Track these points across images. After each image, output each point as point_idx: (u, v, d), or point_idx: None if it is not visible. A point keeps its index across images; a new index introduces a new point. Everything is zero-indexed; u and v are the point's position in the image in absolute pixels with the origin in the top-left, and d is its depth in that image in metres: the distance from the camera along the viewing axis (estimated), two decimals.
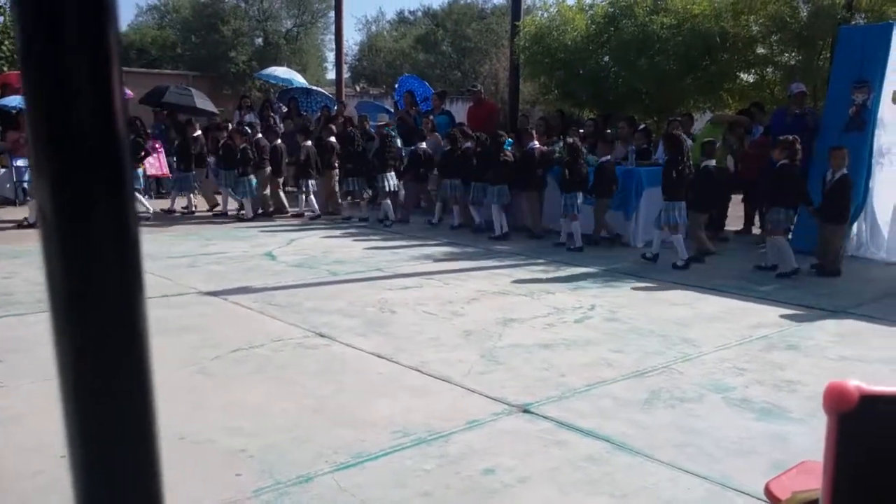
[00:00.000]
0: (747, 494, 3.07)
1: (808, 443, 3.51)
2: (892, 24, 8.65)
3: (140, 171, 11.35)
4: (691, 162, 8.29)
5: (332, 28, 20.79)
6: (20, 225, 10.03)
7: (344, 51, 20.23)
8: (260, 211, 11.65)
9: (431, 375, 4.51)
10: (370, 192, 11.53)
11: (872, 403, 0.67)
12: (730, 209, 10.38)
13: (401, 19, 35.32)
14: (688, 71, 11.34)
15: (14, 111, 12.47)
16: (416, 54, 30.53)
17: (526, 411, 3.96)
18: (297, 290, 6.71)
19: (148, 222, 10.74)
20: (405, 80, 15.58)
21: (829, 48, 10.15)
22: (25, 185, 12.10)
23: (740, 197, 10.41)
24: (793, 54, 11.19)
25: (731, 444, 3.58)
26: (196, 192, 11.92)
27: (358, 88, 27.82)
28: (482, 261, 8.42)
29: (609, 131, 10.72)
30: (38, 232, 0.59)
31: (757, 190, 9.11)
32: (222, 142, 11.88)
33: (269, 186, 11.75)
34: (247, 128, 11.94)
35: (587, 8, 12.88)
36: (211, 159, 12.25)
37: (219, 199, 11.99)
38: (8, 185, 11.24)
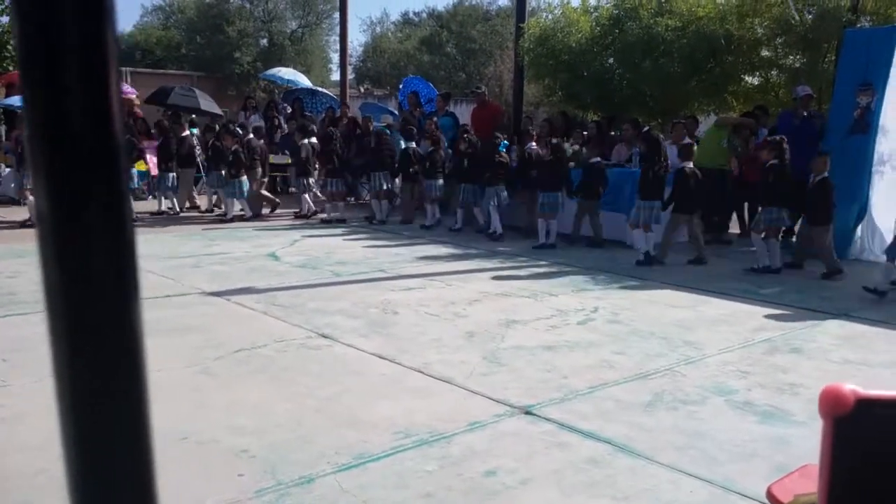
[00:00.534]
0: (750, 498, 3.07)
1: (810, 446, 3.50)
2: None
3: (134, 171, 11.35)
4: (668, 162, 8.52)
5: (337, 29, 20.80)
6: (23, 224, 10.07)
7: (348, 52, 20.25)
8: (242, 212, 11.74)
9: (433, 377, 4.52)
10: (350, 192, 11.61)
11: (868, 407, 0.67)
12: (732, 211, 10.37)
13: (405, 21, 35.37)
14: (692, 73, 11.33)
15: (20, 111, 12.51)
16: (420, 56, 30.56)
17: (528, 413, 3.96)
18: (300, 291, 6.72)
19: (142, 223, 10.77)
20: (409, 82, 15.60)
21: (834, 51, 10.13)
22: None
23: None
24: (798, 57, 11.17)
25: (733, 448, 3.58)
26: (175, 192, 11.85)
27: (362, 89, 27.86)
28: (485, 262, 8.42)
29: (613, 133, 10.72)
30: (36, 231, 0.59)
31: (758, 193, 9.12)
32: (210, 142, 11.92)
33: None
34: (238, 129, 11.96)
35: (592, 10, 12.88)
36: (201, 158, 12.34)
37: (197, 199, 12.00)
38: (13, 185, 11.27)
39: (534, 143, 10.07)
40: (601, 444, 3.58)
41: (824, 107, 9.86)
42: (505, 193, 10.03)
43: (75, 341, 0.60)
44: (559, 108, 13.52)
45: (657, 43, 11.18)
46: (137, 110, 14.22)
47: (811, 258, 8.02)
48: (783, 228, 8.24)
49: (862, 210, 8.56)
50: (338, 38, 19.58)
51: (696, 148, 10.09)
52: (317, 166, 11.95)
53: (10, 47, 15.43)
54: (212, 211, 12.10)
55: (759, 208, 7.98)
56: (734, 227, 10.57)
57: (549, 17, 13.59)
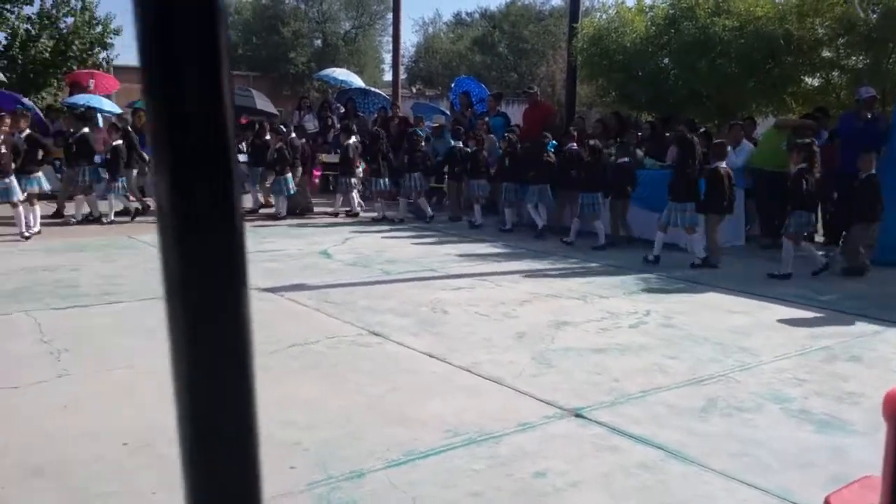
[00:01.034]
0: None
1: (870, 457, 3.39)
2: None
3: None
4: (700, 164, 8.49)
5: (390, 30, 20.96)
6: (87, 219, 10.36)
7: (401, 52, 20.38)
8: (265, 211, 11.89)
9: (483, 376, 4.52)
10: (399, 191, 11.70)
11: None
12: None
13: (458, 21, 35.40)
14: (750, 74, 11.09)
15: (82, 109, 12.88)
16: (472, 56, 30.56)
17: (578, 415, 3.94)
18: (351, 289, 6.78)
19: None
20: (461, 82, 15.62)
21: None
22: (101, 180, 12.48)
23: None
24: (860, 57, 10.83)
25: (789, 456, 3.50)
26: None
27: (414, 90, 27.99)
28: (535, 263, 8.38)
29: (668, 134, 10.56)
30: (156, 223, 0.63)
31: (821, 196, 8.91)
32: (250, 140, 12.05)
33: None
34: (281, 126, 12.12)
35: (647, 9, 12.70)
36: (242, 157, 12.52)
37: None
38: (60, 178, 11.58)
39: (573, 144, 10.07)
40: (653, 448, 3.53)
41: (888, 108, 9.54)
42: (549, 193, 10.09)
43: (191, 327, 0.64)
44: (612, 109, 13.37)
45: (714, 43, 10.97)
46: None
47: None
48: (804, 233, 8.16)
49: None
50: (390, 39, 19.72)
51: (754, 149, 9.91)
52: (358, 165, 12.02)
53: (74, 47, 15.91)
54: (255, 210, 12.15)
55: (788, 212, 7.88)
56: None
57: (604, 16, 13.45)
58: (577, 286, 7.16)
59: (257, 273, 7.31)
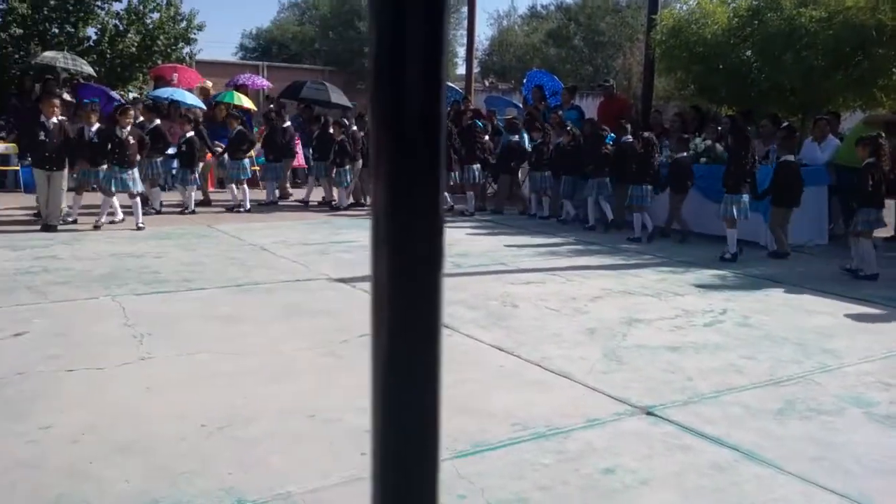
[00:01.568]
0: None
1: None
2: None
3: (246, 161, 11.73)
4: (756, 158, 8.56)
5: (464, 23, 20.94)
6: (182, 211, 10.70)
7: (475, 45, 20.35)
8: (351, 201, 12.06)
9: (552, 371, 4.49)
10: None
11: None
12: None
13: (533, 14, 35.10)
14: (838, 67, 10.64)
15: (166, 102, 13.33)
16: (546, 49, 30.27)
17: (649, 413, 3.87)
18: None
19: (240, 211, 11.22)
20: (534, 75, 15.51)
21: None
22: (173, 171, 12.88)
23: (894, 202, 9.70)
24: None
25: (872, 462, 3.36)
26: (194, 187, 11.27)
27: (487, 83, 27.92)
28: (607, 259, 8.28)
29: (751, 128, 10.26)
30: (371, 222, 0.68)
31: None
32: (316, 133, 12.22)
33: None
34: (344, 119, 12.27)
35: (729, 1, 12.34)
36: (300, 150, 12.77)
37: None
38: (161, 171, 11.97)
39: (629, 137, 9.97)
40: (727, 449, 3.45)
41: None
42: (608, 186, 10.09)
43: (397, 311, 0.68)
44: (691, 103, 13.06)
45: (800, 34, 10.57)
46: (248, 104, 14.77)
47: None
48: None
49: None
50: (464, 33, 19.69)
51: (840, 145, 9.54)
52: None
53: (159, 42, 16.46)
54: (313, 202, 12.31)
55: (855, 209, 7.63)
56: (883, 232, 9.87)
57: (684, 7, 13.12)
58: (651, 283, 7.03)
59: (331, 263, 7.45)
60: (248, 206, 11.32)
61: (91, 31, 16.19)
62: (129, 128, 9.24)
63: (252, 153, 13.70)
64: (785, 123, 10.35)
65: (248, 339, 4.92)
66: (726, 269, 7.75)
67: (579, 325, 5.49)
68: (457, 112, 13.99)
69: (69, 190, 9.44)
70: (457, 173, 11.47)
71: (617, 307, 6.05)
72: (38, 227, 8.85)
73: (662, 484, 3.11)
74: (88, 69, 14.28)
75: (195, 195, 11.11)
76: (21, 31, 14.99)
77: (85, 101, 11.68)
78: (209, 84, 15.52)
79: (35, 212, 9.54)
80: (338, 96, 15.91)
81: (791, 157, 8.27)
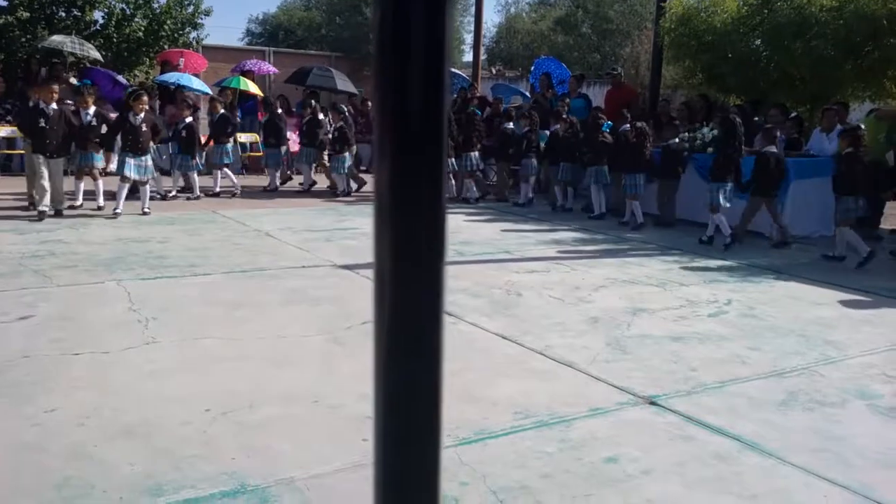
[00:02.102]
0: None
1: None
2: None
3: (229, 146, 11.69)
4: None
5: (472, 10, 20.84)
6: (188, 198, 10.69)
7: (482, 33, 20.25)
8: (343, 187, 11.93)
9: (555, 360, 4.49)
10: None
11: None
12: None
13: (541, 1, 34.94)
14: (848, 56, 10.56)
15: (173, 87, 13.31)
16: (554, 36, 30.14)
17: (652, 403, 3.88)
18: None
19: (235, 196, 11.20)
20: (542, 63, 15.42)
21: None
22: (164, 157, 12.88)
23: None
24: None
25: (874, 454, 3.36)
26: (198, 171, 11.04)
27: (494, 70, 27.81)
28: (612, 248, 8.26)
29: (757, 119, 10.20)
30: (374, 203, 0.68)
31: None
32: (306, 119, 12.07)
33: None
34: (342, 106, 12.18)
35: None
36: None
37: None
38: (164, 157, 11.98)
39: (627, 126, 9.98)
40: (729, 440, 3.45)
41: None
42: (606, 174, 10.19)
43: (398, 294, 0.69)
44: (699, 91, 12.98)
45: (810, 24, 10.49)
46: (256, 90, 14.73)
47: None
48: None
49: None
50: (472, 19, 19.61)
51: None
52: None
53: (166, 27, 16.42)
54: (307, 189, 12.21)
55: (836, 198, 7.82)
56: (888, 223, 9.84)
57: None
58: (656, 272, 7.02)
59: (335, 250, 7.45)
60: (239, 190, 11.24)
61: (98, 15, 16.15)
62: (142, 114, 9.14)
63: (257, 138, 13.70)
64: (793, 114, 10.31)
65: (253, 324, 4.94)
66: (730, 259, 7.73)
67: (583, 314, 5.49)
68: (463, 99, 13.96)
69: (70, 175, 9.41)
70: (453, 160, 11.43)
71: (621, 296, 6.04)
72: (36, 216, 8.44)
73: (665, 473, 3.12)
74: (95, 54, 14.26)
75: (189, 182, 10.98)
76: (28, 14, 14.96)
77: (78, 83, 11.62)
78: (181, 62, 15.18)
79: (29, 201, 9.05)
80: (343, 83, 15.84)
81: (773, 149, 8.43)
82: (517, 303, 5.77)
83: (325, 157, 12.10)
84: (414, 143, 0.66)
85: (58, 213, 8.74)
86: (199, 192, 10.81)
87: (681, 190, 9.76)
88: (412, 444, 0.74)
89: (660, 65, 13.99)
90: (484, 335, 4.94)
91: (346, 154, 11.57)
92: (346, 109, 12.13)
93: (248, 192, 11.62)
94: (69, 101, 9.68)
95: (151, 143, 9.45)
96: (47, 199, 8.53)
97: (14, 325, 4.76)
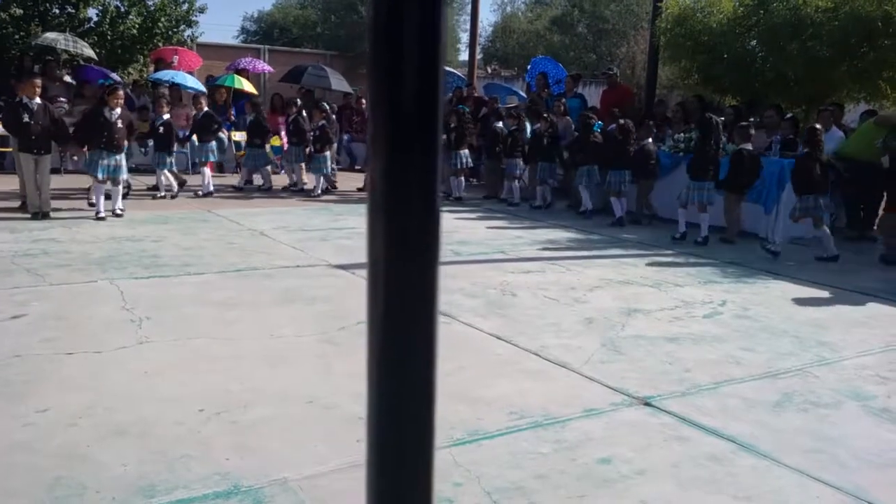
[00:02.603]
0: None
1: None
2: None
3: (213, 144, 11.40)
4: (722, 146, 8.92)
5: (468, 9, 20.85)
6: (154, 196, 10.51)
7: (478, 32, 20.24)
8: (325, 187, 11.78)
9: (550, 360, 4.49)
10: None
11: None
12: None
13: (537, 0, 34.93)
14: (843, 58, 10.58)
15: (167, 84, 13.27)
16: (550, 36, 30.13)
17: (647, 404, 3.88)
18: None
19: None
20: (538, 62, 15.43)
21: None
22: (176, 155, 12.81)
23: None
24: None
25: (868, 455, 3.37)
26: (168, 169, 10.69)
27: (489, 70, 27.80)
28: (607, 249, 8.27)
29: (752, 119, 10.22)
30: (367, 199, 0.68)
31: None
32: (291, 118, 11.81)
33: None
34: (325, 104, 12.08)
35: None
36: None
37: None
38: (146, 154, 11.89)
39: (614, 125, 10.18)
40: (723, 441, 3.45)
41: None
42: (597, 174, 10.29)
43: (391, 297, 0.69)
44: (695, 92, 12.99)
45: (806, 25, 10.50)
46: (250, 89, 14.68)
47: None
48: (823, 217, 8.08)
49: None
50: (468, 18, 19.60)
51: (844, 138, 9.50)
52: None
53: (161, 24, 16.37)
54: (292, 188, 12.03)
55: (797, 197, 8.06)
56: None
57: None
58: (651, 273, 7.03)
59: (330, 250, 7.44)
60: (212, 188, 10.87)
61: (92, 13, 16.10)
62: (118, 110, 8.65)
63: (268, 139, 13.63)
64: (789, 115, 10.32)
65: (247, 324, 4.92)
66: (725, 260, 7.74)
67: (578, 315, 5.49)
68: (459, 98, 13.95)
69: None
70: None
71: (616, 297, 6.04)
72: (29, 216, 8.36)
73: (659, 474, 3.11)
74: (89, 51, 14.20)
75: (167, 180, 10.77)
76: (21, 11, 14.91)
77: (104, 81, 11.54)
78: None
79: (21, 201, 8.84)
80: (338, 82, 15.81)
81: (749, 146, 8.66)
82: (512, 303, 5.77)
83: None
84: (408, 139, 0.66)
85: (44, 216, 8.40)
86: (170, 192, 10.52)
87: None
88: (405, 443, 0.73)
89: (656, 65, 14.00)
90: (479, 335, 4.93)
91: (327, 153, 11.39)
92: (328, 107, 11.99)
93: (246, 192, 11.60)
94: (62, 99, 9.61)
95: (126, 142, 8.94)
96: (46, 197, 8.43)
97: (6, 325, 4.73)
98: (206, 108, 11.35)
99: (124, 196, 9.42)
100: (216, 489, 2.86)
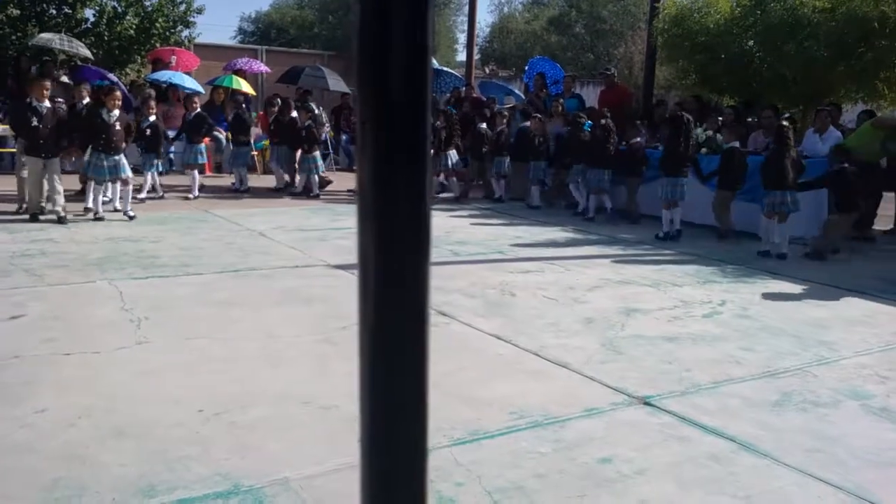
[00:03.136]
0: None
1: None
2: None
3: (202, 146, 11.23)
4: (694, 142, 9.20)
5: (465, 10, 20.84)
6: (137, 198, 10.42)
7: (475, 32, 20.23)
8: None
9: (550, 360, 4.49)
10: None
11: None
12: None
13: (534, 1, 34.94)
14: (840, 58, 10.59)
15: (164, 85, 13.25)
16: (547, 36, 30.15)
17: (647, 404, 3.87)
18: None
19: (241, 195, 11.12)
20: (536, 62, 15.43)
21: None
22: (171, 155, 12.77)
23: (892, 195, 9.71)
24: None
25: (867, 454, 3.37)
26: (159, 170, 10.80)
27: (487, 70, 27.80)
28: (606, 249, 8.27)
29: (750, 119, 10.23)
30: (357, 199, 0.69)
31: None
32: (273, 118, 11.75)
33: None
34: (311, 104, 11.97)
35: None
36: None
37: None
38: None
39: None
40: (724, 440, 3.45)
41: None
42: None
43: (381, 294, 0.72)
44: (692, 92, 13.01)
45: (803, 25, 10.52)
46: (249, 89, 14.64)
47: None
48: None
49: None
50: (465, 19, 19.59)
51: (842, 138, 9.51)
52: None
53: (158, 25, 16.34)
54: (282, 188, 11.91)
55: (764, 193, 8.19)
56: (882, 225, 9.88)
57: None
58: (650, 273, 7.03)
59: (329, 250, 7.43)
60: (197, 193, 10.68)
61: (89, 13, 16.05)
62: (116, 111, 8.54)
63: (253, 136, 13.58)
64: (786, 115, 10.34)
65: (245, 324, 4.91)
66: (725, 260, 7.75)
67: (577, 315, 5.49)
68: (457, 98, 13.95)
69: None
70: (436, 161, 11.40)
71: (615, 297, 6.04)
72: (28, 218, 8.27)
73: (659, 474, 3.11)
74: (86, 52, 14.17)
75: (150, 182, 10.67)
76: (18, 11, 14.86)
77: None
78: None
79: (22, 205, 8.67)
80: (336, 82, 15.79)
81: (736, 144, 8.86)
82: (512, 303, 5.76)
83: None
84: (397, 140, 0.66)
85: (60, 221, 8.25)
86: (156, 193, 10.50)
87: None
88: (399, 442, 0.73)
89: (653, 65, 14.03)
90: (478, 335, 4.93)
91: (317, 153, 11.33)
92: (314, 107, 11.93)
93: (244, 192, 11.58)
94: (60, 100, 9.58)
95: (124, 143, 8.80)
96: (61, 200, 8.35)
97: (4, 325, 4.72)
98: (198, 109, 11.29)
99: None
100: (216, 489, 2.85)
